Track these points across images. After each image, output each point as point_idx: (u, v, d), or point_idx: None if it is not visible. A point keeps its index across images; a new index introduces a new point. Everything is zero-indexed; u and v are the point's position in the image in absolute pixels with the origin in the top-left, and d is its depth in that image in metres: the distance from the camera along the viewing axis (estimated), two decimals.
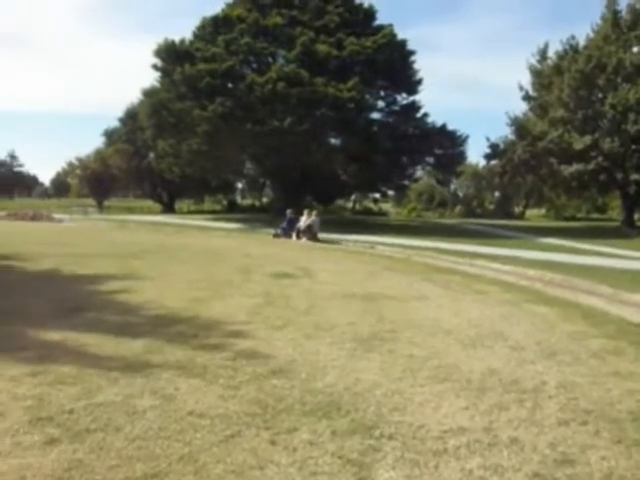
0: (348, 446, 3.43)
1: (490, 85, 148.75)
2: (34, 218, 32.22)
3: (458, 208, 64.04)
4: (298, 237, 22.38)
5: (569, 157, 32.69)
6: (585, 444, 3.56)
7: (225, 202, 61.93)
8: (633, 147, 31.89)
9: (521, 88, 37.69)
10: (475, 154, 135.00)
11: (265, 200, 60.06)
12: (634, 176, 32.54)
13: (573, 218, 53.57)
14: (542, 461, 3.32)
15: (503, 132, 78.15)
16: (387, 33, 34.01)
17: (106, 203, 64.57)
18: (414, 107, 36.84)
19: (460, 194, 69.00)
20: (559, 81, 33.48)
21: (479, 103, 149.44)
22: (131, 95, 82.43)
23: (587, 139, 31.41)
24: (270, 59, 34.44)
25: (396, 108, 37.40)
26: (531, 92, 37.81)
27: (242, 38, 32.79)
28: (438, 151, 36.38)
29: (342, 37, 32.68)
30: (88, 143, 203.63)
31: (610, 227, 36.86)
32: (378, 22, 36.26)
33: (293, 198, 34.62)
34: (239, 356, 5.24)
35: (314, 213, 23.68)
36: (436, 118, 41.14)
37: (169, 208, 56.52)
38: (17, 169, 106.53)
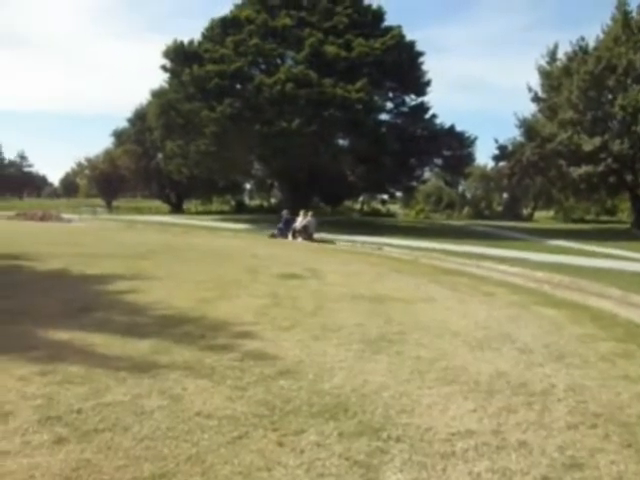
0: (355, 448, 3.42)
1: (498, 86, 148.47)
2: (43, 218, 32.33)
3: (466, 210, 63.88)
4: (294, 237, 22.70)
5: (578, 159, 32.59)
6: (594, 448, 3.54)
7: (233, 203, 62.04)
8: None
9: (530, 89, 37.68)
10: (483, 155, 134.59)
11: (273, 201, 60.10)
12: None
13: (582, 220, 53.29)
14: (551, 465, 3.30)
15: (511, 133, 78.00)
16: (396, 34, 34.01)
17: (114, 203, 64.84)
18: (422, 108, 36.83)
19: (468, 195, 68.82)
20: (568, 82, 33.39)
21: (487, 104, 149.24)
22: (140, 96, 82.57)
23: (596, 141, 31.30)
24: (279, 60, 34.51)
25: (404, 109, 37.41)
26: (540, 94, 37.78)
27: (251, 39, 32.86)
28: (446, 152, 36.36)
29: (351, 38, 32.70)
30: (97, 143, 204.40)
31: (620, 229, 36.69)
32: (387, 23, 36.33)
33: (301, 199, 34.65)
34: (247, 357, 5.24)
35: (310, 214, 23.95)
36: (444, 119, 41.30)
37: (177, 208, 56.68)
38: (27, 169, 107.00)
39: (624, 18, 32.57)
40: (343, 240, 22.75)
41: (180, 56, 33.46)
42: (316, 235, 23.52)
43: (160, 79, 45.76)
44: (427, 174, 43.96)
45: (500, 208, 66.33)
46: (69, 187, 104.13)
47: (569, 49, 35.60)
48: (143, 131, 50.78)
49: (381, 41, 32.84)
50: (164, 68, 35.14)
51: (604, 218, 55.41)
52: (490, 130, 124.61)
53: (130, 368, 4.84)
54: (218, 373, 4.76)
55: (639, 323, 7.58)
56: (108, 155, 60.41)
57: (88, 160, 66.88)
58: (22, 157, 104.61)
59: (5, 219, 32.34)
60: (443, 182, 50.50)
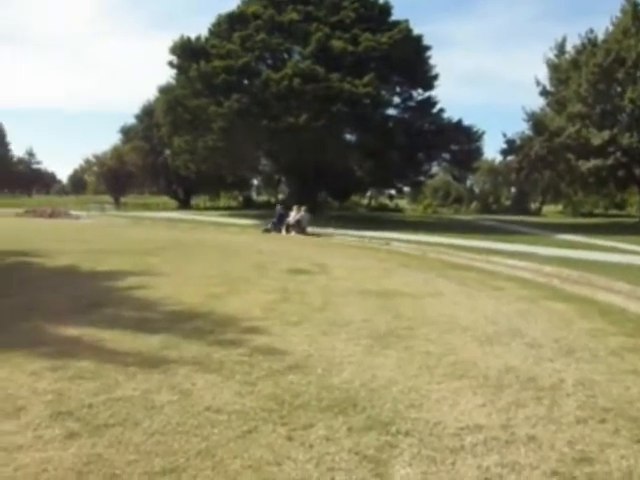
0: (364, 442, 3.43)
1: (506, 80, 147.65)
2: (52, 215, 32.49)
3: (474, 204, 63.75)
4: (287, 231, 23.27)
5: (587, 152, 32.39)
6: (604, 442, 3.53)
7: (241, 198, 62.13)
8: None
9: (538, 83, 37.47)
10: (491, 150, 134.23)
11: (281, 197, 60.17)
12: None
13: (590, 214, 53.05)
14: (560, 459, 3.30)
15: (519, 127, 77.64)
16: (403, 29, 33.90)
17: (122, 199, 65.04)
18: (430, 103, 36.74)
19: (476, 190, 68.67)
20: (577, 75, 33.18)
21: (494, 98, 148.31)
22: (147, 92, 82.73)
23: (605, 134, 31.10)
24: (285, 55, 34.49)
25: (412, 104, 37.33)
26: (548, 87, 37.55)
27: (257, 34, 32.84)
28: (454, 147, 36.26)
29: (358, 33, 32.63)
30: (105, 140, 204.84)
31: (629, 223, 36.47)
32: (393, 18, 36.19)
33: (309, 194, 34.66)
34: (255, 352, 5.26)
35: (303, 209, 24.52)
36: (452, 113, 41.12)
37: (185, 204, 56.77)
38: (35, 166, 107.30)
39: (634, 10, 32.26)
40: (350, 235, 22.73)
41: (187, 52, 33.49)
42: (320, 230, 23.90)
43: (167, 75, 45.81)
44: (435, 169, 43.86)
45: (508, 202, 66.13)
46: (77, 184, 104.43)
47: (578, 42, 35.39)
48: (150, 127, 50.90)
49: (388, 35, 32.73)
50: (171, 64, 35.19)
51: (613, 212, 55.12)
52: (498, 124, 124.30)
53: (140, 363, 4.87)
54: (227, 368, 4.78)
55: None
56: (116, 152, 60.56)
57: (96, 157, 67.13)
58: (31, 154, 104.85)
59: (14, 216, 32.53)
60: (451, 177, 50.36)
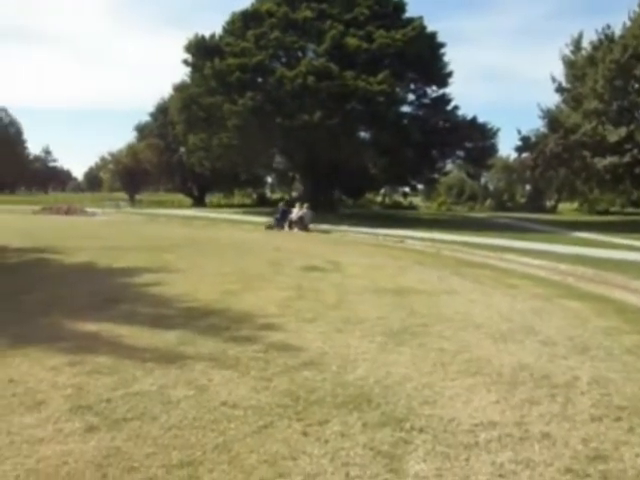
0: (379, 438, 3.46)
1: (521, 77, 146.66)
2: (68, 212, 32.81)
3: (488, 202, 63.39)
4: (290, 228, 23.81)
5: (603, 150, 32.08)
6: (618, 440, 3.53)
7: (255, 196, 62.25)
8: None
9: (554, 80, 37.11)
10: (506, 147, 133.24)
11: (295, 194, 60.22)
12: None
13: (606, 212, 52.55)
14: (574, 456, 3.31)
15: (534, 124, 77.19)
16: (417, 26, 33.80)
17: (137, 197, 65.42)
18: (444, 100, 36.61)
19: (490, 187, 68.30)
20: (593, 72, 32.85)
21: (509, 95, 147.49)
22: (161, 90, 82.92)
23: (622, 131, 30.79)
24: (300, 53, 34.49)
25: (426, 101, 37.20)
26: (564, 84, 37.20)
27: (272, 32, 32.89)
28: (468, 144, 36.11)
29: (372, 30, 32.56)
30: (120, 138, 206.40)
31: None
32: (408, 15, 36.09)
33: (323, 192, 34.73)
34: (270, 348, 5.31)
35: (305, 206, 25.14)
36: (466, 110, 40.97)
37: (199, 202, 56.98)
38: (51, 164, 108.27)
39: None
40: (364, 233, 22.75)
41: (202, 50, 33.64)
42: (334, 227, 24.23)
43: (182, 73, 46.02)
44: (449, 166, 43.73)
45: (523, 200, 65.71)
46: (93, 181, 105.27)
47: (594, 38, 35.01)
48: (165, 125, 51.12)
49: (402, 32, 32.64)
50: (186, 62, 35.37)
51: (629, 210, 54.59)
52: (512, 121, 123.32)
53: (157, 359, 4.93)
54: (243, 364, 4.83)
55: None
56: (131, 149, 60.88)
57: (112, 155, 67.57)
58: (47, 152, 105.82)
59: (31, 213, 32.89)
60: (465, 174, 50.16)
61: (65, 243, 14.80)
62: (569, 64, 36.56)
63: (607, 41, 33.73)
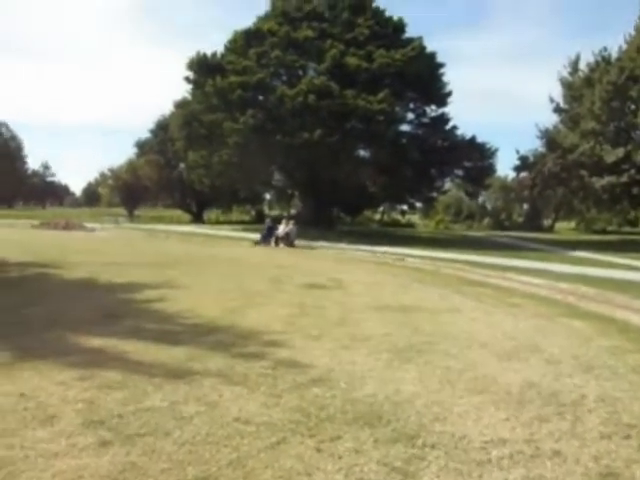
0: (392, 454, 3.49)
1: (517, 96, 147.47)
2: (66, 227, 32.79)
3: (486, 220, 63.62)
4: (276, 244, 24.21)
5: (600, 170, 32.32)
6: (629, 458, 3.56)
7: (253, 212, 62.37)
8: None
9: (552, 100, 37.49)
10: (503, 166, 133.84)
11: (293, 211, 60.33)
12: None
13: (604, 231, 52.78)
14: (586, 474, 3.33)
15: (531, 144, 77.52)
16: (416, 46, 34.11)
17: (136, 212, 65.49)
18: (443, 119, 36.86)
19: (488, 206, 68.52)
20: (590, 93, 33.20)
21: (506, 115, 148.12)
22: (162, 107, 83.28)
23: (619, 151, 31.06)
24: (300, 72, 34.76)
25: (425, 120, 37.46)
26: (562, 104, 37.56)
27: (273, 51, 33.17)
28: (467, 164, 36.35)
29: (372, 50, 32.86)
30: (120, 154, 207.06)
31: None
32: (407, 35, 36.44)
33: (322, 209, 34.81)
34: (278, 365, 5.33)
35: (291, 222, 25.80)
36: (464, 129, 41.13)
37: (198, 218, 57.09)
38: (49, 179, 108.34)
39: None
40: (363, 250, 22.82)
41: (203, 68, 33.90)
42: (332, 245, 24.79)
43: (182, 90, 46.26)
44: (447, 185, 43.92)
45: (520, 219, 65.93)
46: (91, 196, 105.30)
47: (591, 59, 35.42)
48: (165, 141, 51.38)
49: (402, 52, 32.95)
50: (187, 79, 35.61)
51: (626, 229, 54.82)
52: (509, 140, 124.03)
53: (165, 375, 4.95)
54: (252, 380, 4.85)
55: None
56: (131, 165, 61.10)
57: (111, 170, 67.74)
58: (45, 167, 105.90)
59: (30, 228, 32.88)
60: (464, 193, 50.33)
61: (65, 258, 14.82)
62: (566, 85, 36.93)
63: (604, 63, 34.13)
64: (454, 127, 36.78)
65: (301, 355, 5.76)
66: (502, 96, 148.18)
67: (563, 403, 4.55)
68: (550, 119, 50.61)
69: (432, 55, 35.43)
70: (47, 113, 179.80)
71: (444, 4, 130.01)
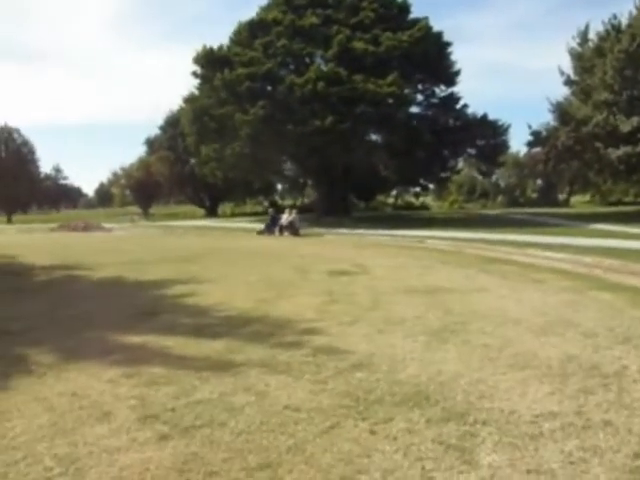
0: (446, 433, 3.55)
1: (525, 70, 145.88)
2: (85, 228, 33.08)
3: (500, 198, 63.33)
4: (281, 233, 24.49)
5: (616, 140, 31.94)
6: None
7: (266, 203, 62.50)
8: None
9: (562, 73, 37.04)
10: (515, 142, 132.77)
11: (306, 200, 60.36)
12: None
13: (620, 203, 52.35)
14: None
15: (542, 118, 76.94)
16: (422, 26, 33.91)
17: (150, 210, 65.84)
18: (453, 98, 36.69)
19: (502, 184, 68.16)
20: (602, 63, 32.75)
21: (515, 90, 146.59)
22: (169, 102, 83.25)
23: (634, 120, 30.65)
24: (308, 59, 34.65)
25: (435, 101, 37.30)
26: (572, 76, 37.11)
27: (279, 40, 33.11)
28: (480, 142, 36.18)
29: (378, 33, 32.73)
30: (127, 152, 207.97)
31: None
32: (413, 15, 36.20)
33: (336, 196, 34.81)
34: (318, 352, 5.40)
35: (294, 211, 26.19)
36: (473, 106, 40.88)
37: (212, 212, 57.32)
38: (62, 182, 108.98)
39: None
40: (382, 235, 22.84)
41: (211, 61, 33.93)
42: (350, 231, 24.78)
43: (189, 85, 46.38)
44: (460, 164, 43.75)
45: (534, 195, 65.56)
46: (104, 197, 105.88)
47: (600, 29, 34.92)
48: (175, 137, 51.54)
49: (408, 34, 32.78)
50: (195, 74, 35.67)
51: None
52: (519, 115, 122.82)
53: (210, 367, 5.04)
54: (295, 368, 4.93)
55: None
56: (143, 163, 61.36)
57: (123, 169, 68.08)
58: (57, 170, 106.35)
59: (49, 231, 33.20)
60: (477, 172, 50.13)
61: (89, 259, 14.96)
62: (576, 56, 36.45)
63: (614, 31, 33.61)
64: (465, 106, 36.67)
65: (339, 341, 5.84)
66: (509, 71, 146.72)
67: (606, 374, 4.59)
68: (561, 92, 49.93)
69: (439, 35, 35.20)
70: (54, 115, 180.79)
71: None
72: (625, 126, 30.70)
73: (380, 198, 58.95)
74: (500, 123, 36.04)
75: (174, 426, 3.79)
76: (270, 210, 28.51)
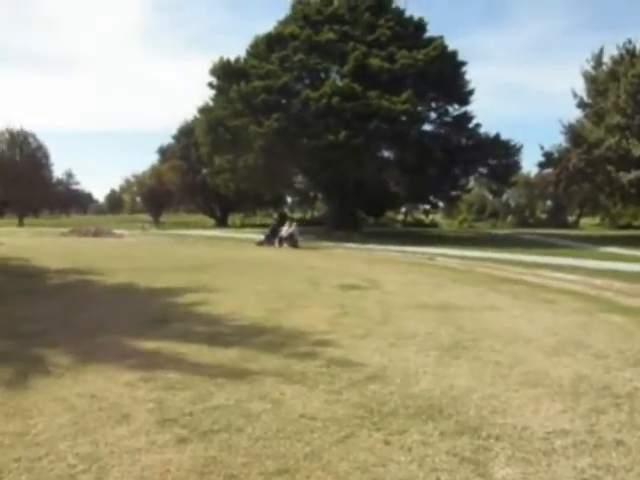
0: (459, 446, 3.61)
1: (538, 92, 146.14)
2: (96, 234, 33.24)
3: (510, 218, 63.30)
4: (280, 244, 24.76)
5: (627, 164, 31.97)
6: None
7: (276, 215, 62.75)
8: None
9: (575, 95, 37.10)
10: (526, 163, 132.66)
11: (316, 213, 60.54)
12: None
13: (629, 226, 52.23)
14: None
15: (554, 140, 76.93)
16: (438, 45, 34.12)
17: (161, 218, 66.19)
18: (466, 117, 36.83)
19: (511, 204, 68.16)
20: (615, 87, 32.85)
21: (527, 111, 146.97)
22: (184, 113, 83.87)
23: None
24: (323, 74, 34.92)
25: (448, 119, 37.44)
26: (586, 99, 37.17)
27: (295, 55, 33.40)
28: (492, 161, 36.24)
29: (394, 50, 32.94)
30: (139, 160, 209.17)
31: None
32: (429, 34, 36.44)
33: (346, 211, 34.92)
34: (332, 364, 5.47)
35: (294, 224, 26.55)
36: (487, 127, 40.98)
37: (222, 222, 57.57)
38: (73, 187, 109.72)
39: None
40: (392, 251, 22.90)
41: (227, 73, 34.25)
42: (360, 246, 24.91)
43: (204, 96, 46.72)
44: (471, 183, 43.80)
45: (544, 215, 65.50)
46: (114, 203, 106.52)
47: (615, 53, 35.03)
48: (188, 147, 51.96)
49: (424, 52, 33.00)
50: (211, 85, 36.00)
51: None
52: (531, 136, 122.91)
53: (225, 375, 5.11)
54: (310, 379, 5.00)
55: None
56: (155, 171, 61.78)
57: (135, 176, 68.56)
58: (69, 175, 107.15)
59: (60, 236, 33.38)
60: (488, 191, 50.16)
61: (101, 264, 15.07)
62: (590, 79, 36.53)
63: (629, 56, 33.71)
64: (477, 125, 36.80)
65: (352, 354, 5.90)
66: (522, 92, 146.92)
67: (618, 395, 4.64)
68: (574, 114, 50.02)
69: (453, 54, 35.39)
70: (69, 121, 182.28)
71: (464, 1, 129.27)
72: (637, 150, 30.74)
73: (389, 214, 59.07)
74: (512, 143, 36.16)
75: (192, 430, 3.87)
76: (272, 221, 29.05)
